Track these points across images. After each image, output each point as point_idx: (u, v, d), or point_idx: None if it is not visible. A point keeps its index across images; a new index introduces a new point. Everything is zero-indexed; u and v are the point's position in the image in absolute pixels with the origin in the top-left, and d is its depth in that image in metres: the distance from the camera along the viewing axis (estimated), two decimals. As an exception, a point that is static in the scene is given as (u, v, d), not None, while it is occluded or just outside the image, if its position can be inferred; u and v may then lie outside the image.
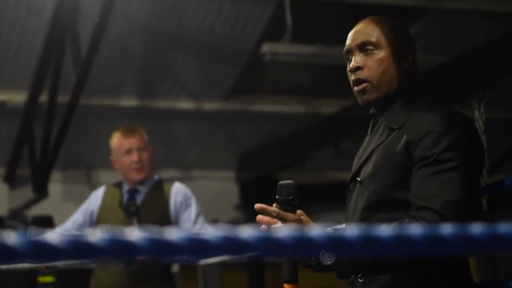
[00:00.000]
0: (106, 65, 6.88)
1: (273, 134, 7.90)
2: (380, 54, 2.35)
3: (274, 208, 2.16)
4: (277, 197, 2.19)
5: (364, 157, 2.35)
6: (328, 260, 2.15)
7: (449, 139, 2.17)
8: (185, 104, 7.50)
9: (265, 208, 2.15)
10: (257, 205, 2.17)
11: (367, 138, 2.43)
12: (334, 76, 7.06)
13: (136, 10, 6.53)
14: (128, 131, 4.38)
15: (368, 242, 0.96)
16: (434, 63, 6.32)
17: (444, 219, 2.08)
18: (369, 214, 2.25)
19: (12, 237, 0.91)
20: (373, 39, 2.36)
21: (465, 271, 2.26)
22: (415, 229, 0.99)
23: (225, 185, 8.09)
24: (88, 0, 6.09)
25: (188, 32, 6.82)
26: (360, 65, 2.36)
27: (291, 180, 2.20)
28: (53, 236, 0.96)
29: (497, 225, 1.04)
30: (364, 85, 2.35)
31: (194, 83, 7.35)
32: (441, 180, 2.14)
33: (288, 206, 2.17)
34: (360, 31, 2.40)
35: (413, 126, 2.24)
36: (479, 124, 5.19)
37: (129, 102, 7.31)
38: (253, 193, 7.81)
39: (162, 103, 7.43)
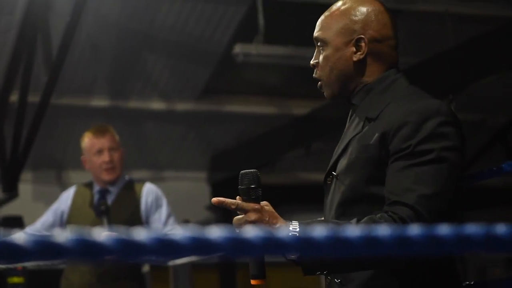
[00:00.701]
0: (77, 65, 6.85)
1: (244, 134, 7.90)
2: (327, 51, 2.24)
3: (231, 200, 2.07)
4: (239, 186, 2.10)
5: (340, 150, 2.24)
6: (291, 255, 2.03)
7: (426, 130, 2.04)
8: (157, 105, 7.49)
9: (223, 201, 2.08)
10: (214, 199, 2.10)
11: (345, 130, 2.31)
12: (306, 77, 7.05)
13: (108, 9, 6.50)
14: (99, 131, 4.36)
15: (336, 243, 0.96)
16: (405, 64, 6.35)
17: (418, 214, 1.98)
18: (345, 210, 2.14)
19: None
20: (321, 36, 2.26)
21: (449, 270, 2.16)
22: (383, 229, 0.99)
23: (196, 186, 8.08)
24: (59, -1, 6.06)
25: (160, 32, 6.81)
26: (313, 63, 2.28)
27: (253, 169, 2.12)
28: (20, 236, 0.95)
29: (464, 226, 1.04)
30: (319, 83, 2.27)
31: (166, 83, 7.34)
32: (417, 174, 2.03)
33: (251, 195, 2.07)
34: (317, 24, 2.30)
35: (388, 117, 2.11)
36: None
37: (100, 102, 7.28)
38: (224, 194, 7.72)
39: (134, 103, 7.40)
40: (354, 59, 2.23)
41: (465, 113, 7.24)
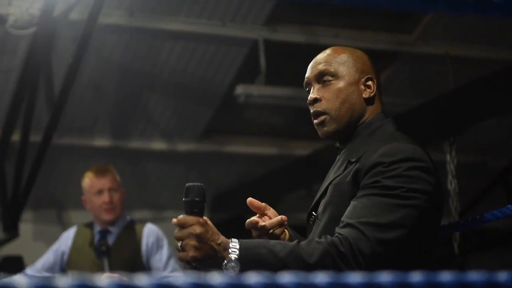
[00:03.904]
0: (79, 105, 6.87)
1: (246, 175, 7.90)
2: (339, 84, 2.27)
3: (179, 217, 2.04)
4: (183, 199, 2.07)
5: (321, 191, 2.28)
6: (232, 272, 2.01)
7: (395, 171, 2.07)
8: (158, 145, 7.49)
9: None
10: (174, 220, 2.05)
11: (328, 172, 2.35)
12: (307, 118, 7.06)
13: (110, 50, 6.54)
14: (100, 171, 4.36)
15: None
16: (406, 106, 6.37)
17: (364, 238, 1.99)
18: None
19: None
20: (331, 69, 2.28)
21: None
22: (320, 277, 0.98)
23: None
24: (62, 40, 6.10)
25: (162, 72, 6.84)
26: (318, 96, 2.28)
27: (199, 183, 2.10)
28: (21, 279, 0.95)
29: (407, 274, 1.03)
30: (323, 117, 2.27)
31: (167, 123, 7.36)
32: (374, 203, 2.04)
33: (194, 208, 2.05)
34: (318, 62, 2.32)
35: (364, 159, 2.14)
36: (451, 167, 5.23)
37: (102, 142, 7.29)
38: (225, 234, 7.78)
39: (135, 143, 7.41)
40: (364, 96, 2.29)
41: (466, 155, 7.24)
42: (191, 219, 2.03)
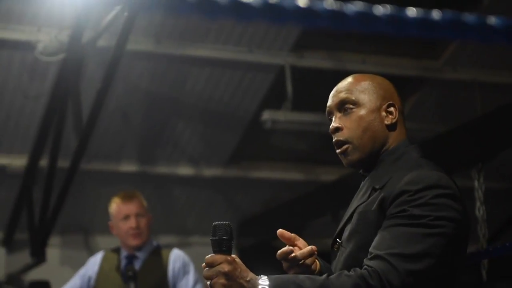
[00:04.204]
0: (106, 131, 6.91)
1: (272, 201, 7.89)
2: (360, 111, 2.26)
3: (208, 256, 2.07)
4: (211, 238, 2.10)
5: (346, 218, 2.28)
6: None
7: (421, 199, 2.05)
8: (185, 170, 7.51)
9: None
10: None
11: (353, 198, 2.34)
12: (333, 144, 7.09)
13: (138, 76, 6.58)
14: (127, 197, 4.38)
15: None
16: (433, 133, 6.35)
17: (394, 270, 1.98)
18: None
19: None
20: (352, 97, 2.28)
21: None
22: None
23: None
24: (90, 66, 6.15)
25: (189, 98, 6.87)
26: (339, 126, 2.28)
27: (226, 221, 2.12)
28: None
29: None
30: (345, 147, 2.27)
31: (194, 149, 7.38)
32: (402, 233, 2.03)
33: (222, 246, 2.07)
34: (339, 90, 2.32)
35: (390, 186, 2.13)
36: (479, 194, 5.19)
37: (129, 167, 7.32)
38: (252, 260, 7.74)
39: (162, 169, 7.43)
40: (387, 122, 2.27)
41: (494, 182, 7.19)
42: (219, 257, 2.06)
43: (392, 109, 2.28)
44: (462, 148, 5.57)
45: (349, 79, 2.34)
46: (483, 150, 5.42)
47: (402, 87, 7.10)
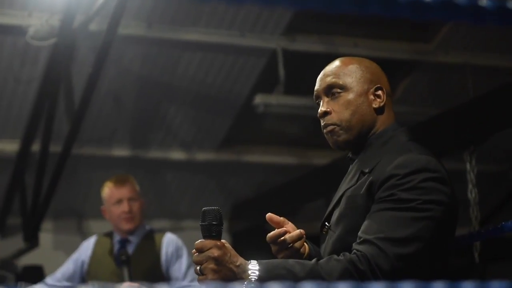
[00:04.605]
0: (98, 115, 6.90)
1: (265, 184, 7.90)
2: (348, 96, 2.26)
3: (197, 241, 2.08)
4: (200, 223, 2.10)
5: (334, 202, 2.28)
6: None
7: (409, 183, 2.06)
8: (177, 155, 7.51)
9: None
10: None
11: (341, 182, 2.34)
12: (326, 128, 7.09)
13: (130, 60, 6.57)
14: (119, 181, 4.37)
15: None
16: (426, 116, 6.35)
17: (383, 254, 1.99)
18: None
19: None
20: (339, 81, 2.28)
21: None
22: (342, 286, 0.98)
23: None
24: (82, 50, 6.14)
25: (181, 83, 6.86)
26: (328, 110, 2.29)
27: (215, 207, 2.13)
28: (42, 288, 0.96)
29: (429, 284, 1.02)
30: (332, 127, 2.27)
31: (186, 133, 7.37)
32: (391, 217, 2.04)
33: (212, 232, 2.08)
34: (326, 74, 2.32)
35: (378, 170, 2.13)
36: (471, 177, 5.21)
37: (121, 152, 7.32)
38: (245, 244, 7.78)
39: (154, 153, 7.43)
40: (374, 106, 2.27)
41: (486, 164, 7.20)
42: (208, 243, 2.07)
43: (380, 92, 2.28)
44: (454, 131, 5.59)
45: (336, 63, 2.33)
46: (475, 133, 5.43)
47: (394, 70, 7.10)
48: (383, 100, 2.28)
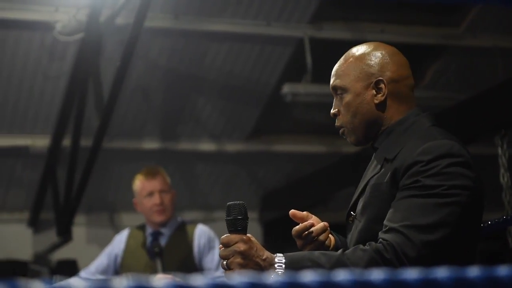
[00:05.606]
0: (128, 109, 6.93)
1: (295, 174, 7.90)
2: (347, 97, 2.28)
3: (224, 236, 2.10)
4: (226, 218, 2.12)
5: (359, 190, 2.28)
6: None
7: (434, 169, 2.05)
8: (207, 146, 7.53)
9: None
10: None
11: (365, 171, 2.34)
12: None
13: (157, 53, 6.59)
14: (150, 174, 4.38)
15: (326, 286, 0.95)
16: (455, 100, 6.31)
17: (409, 242, 1.98)
18: None
19: (37, 286, 0.91)
20: (339, 84, 2.30)
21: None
22: (376, 274, 0.97)
23: (248, 226, 8.07)
24: (109, 44, 6.16)
25: (209, 74, 6.87)
26: (335, 111, 2.33)
27: (240, 201, 2.13)
28: (76, 281, 0.96)
29: (463, 269, 1.01)
30: (342, 129, 2.32)
31: (215, 124, 7.38)
32: (416, 204, 2.03)
33: (237, 226, 2.09)
34: (332, 74, 2.35)
35: (402, 157, 2.13)
36: (503, 161, 5.16)
37: (151, 144, 7.35)
38: (276, 233, 7.79)
39: (184, 145, 7.45)
40: (376, 101, 2.26)
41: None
42: (234, 237, 2.08)
43: (381, 85, 2.25)
44: (484, 115, 5.54)
45: (341, 60, 2.37)
46: (505, 116, 5.38)
47: (422, 56, 7.05)
48: (384, 94, 2.25)
